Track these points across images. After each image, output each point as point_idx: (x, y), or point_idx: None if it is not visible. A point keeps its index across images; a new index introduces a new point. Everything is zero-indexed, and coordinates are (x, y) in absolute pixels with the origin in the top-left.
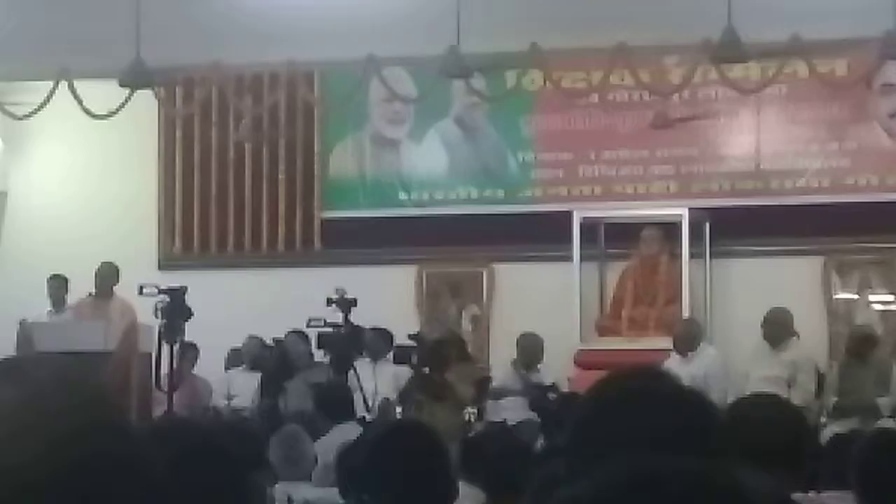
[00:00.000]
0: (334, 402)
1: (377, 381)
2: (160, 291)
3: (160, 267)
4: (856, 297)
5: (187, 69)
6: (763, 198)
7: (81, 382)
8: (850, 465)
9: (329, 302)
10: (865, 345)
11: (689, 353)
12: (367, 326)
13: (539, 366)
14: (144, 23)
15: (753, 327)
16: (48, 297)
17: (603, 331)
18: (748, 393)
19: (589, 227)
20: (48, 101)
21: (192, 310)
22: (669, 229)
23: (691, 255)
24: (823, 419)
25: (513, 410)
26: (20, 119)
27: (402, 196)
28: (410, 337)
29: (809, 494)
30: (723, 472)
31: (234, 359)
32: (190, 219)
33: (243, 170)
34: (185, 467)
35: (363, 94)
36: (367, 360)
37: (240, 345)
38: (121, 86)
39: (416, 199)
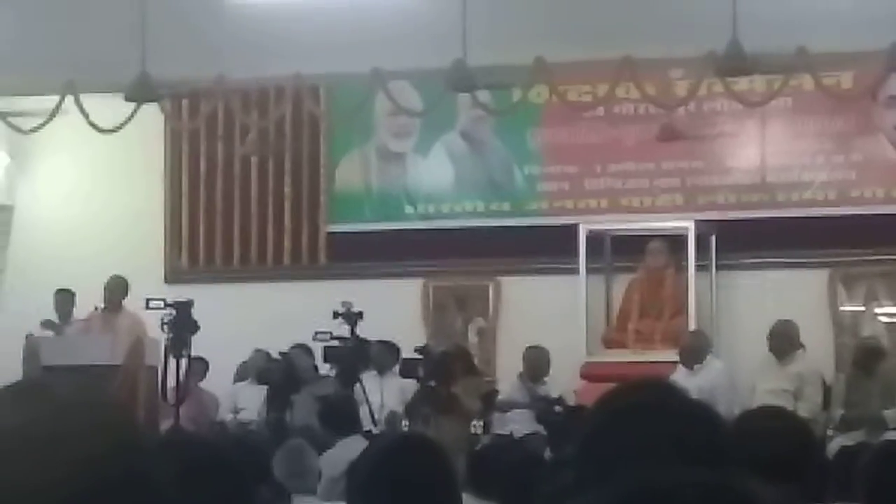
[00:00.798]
0: (339, 416)
1: (384, 395)
2: (167, 305)
3: (166, 281)
4: (862, 309)
5: (193, 83)
6: (769, 210)
7: (102, 401)
8: (857, 477)
9: (335, 315)
10: (872, 357)
11: (696, 366)
12: (374, 340)
13: (545, 379)
14: (150, 37)
15: (760, 340)
16: (55, 311)
17: (609, 343)
18: (755, 405)
19: (595, 239)
20: (54, 115)
21: (199, 323)
22: (675, 242)
23: (697, 268)
24: (830, 432)
25: (519, 423)
26: (27, 133)
27: (409, 209)
28: (417, 350)
29: None
30: (733, 484)
31: (242, 372)
32: (196, 232)
33: (249, 183)
34: (192, 481)
35: (369, 107)
36: (374, 373)
37: (247, 358)
38: (127, 100)
39: (423, 213)
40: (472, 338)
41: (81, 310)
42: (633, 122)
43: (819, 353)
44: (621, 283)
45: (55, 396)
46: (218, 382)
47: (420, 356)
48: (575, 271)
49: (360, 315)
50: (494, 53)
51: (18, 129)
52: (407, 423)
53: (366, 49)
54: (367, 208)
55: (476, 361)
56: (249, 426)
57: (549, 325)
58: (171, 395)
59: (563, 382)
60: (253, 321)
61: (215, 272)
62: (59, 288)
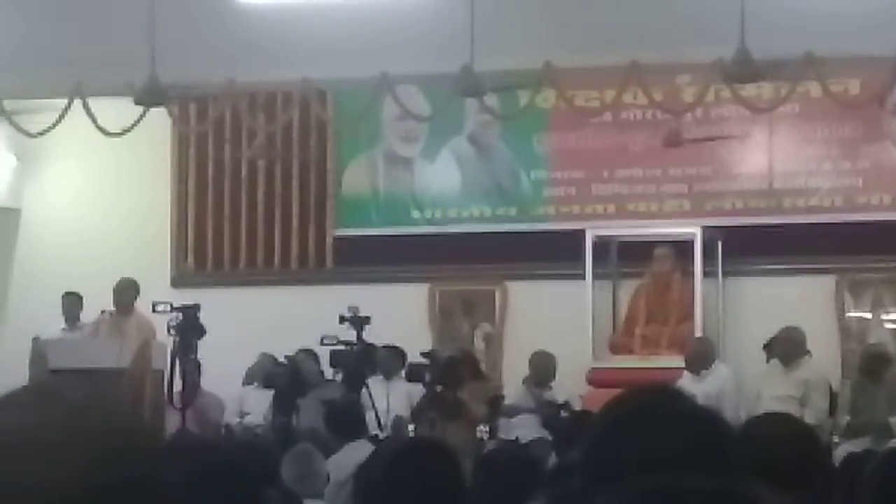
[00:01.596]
0: (345, 421)
1: (390, 399)
2: (173, 309)
3: (173, 284)
4: (869, 315)
5: (201, 87)
6: (776, 216)
7: (114, 405)
8: (863, 484)
9: (342, 320)
10: (878, 363)
11: (703, 372)
12: (380, 344)
13: (551, 384)
14: (159, 41)
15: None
16: (63, 314)
17: (615, 349)
18: (761, 412)
19: (602, 245)
20: (62, 118)
21: (206, 327)
22: (682, 247)
23: (704, 274)
24: (836, 438)
25: (525, 428)
26: (34, 136)
27: (415, 214)
28: (423, 355)
29: None
30: (740, 489)
31: (249, 376)
32: (203, 236)
33: (256, 187)
34: (200, 485)
35: (376, 112)
36: (380, 378)
37: (253, 363)
38: (135, 103)
39: (429, 217)
40: (479, 343)
41: (89, 312)
42: (641, 128)
43: (825, 359)
44: (628, 288)
45: (67, 400)
46: (224, 386)
47: (426, 361)
48: (581, 277)
49: (366, 319)
50: (502, 58)
51: (26, 132)
52: (413, 428)
53: (373, 54)
54: (374, 213)
55: (482, 366)
56: (255, 430)
57: (556, 331)
58: (176, 398)
59: (570, 388)
60: (259, 325)
61: (222, 276)
62: (66, 291)
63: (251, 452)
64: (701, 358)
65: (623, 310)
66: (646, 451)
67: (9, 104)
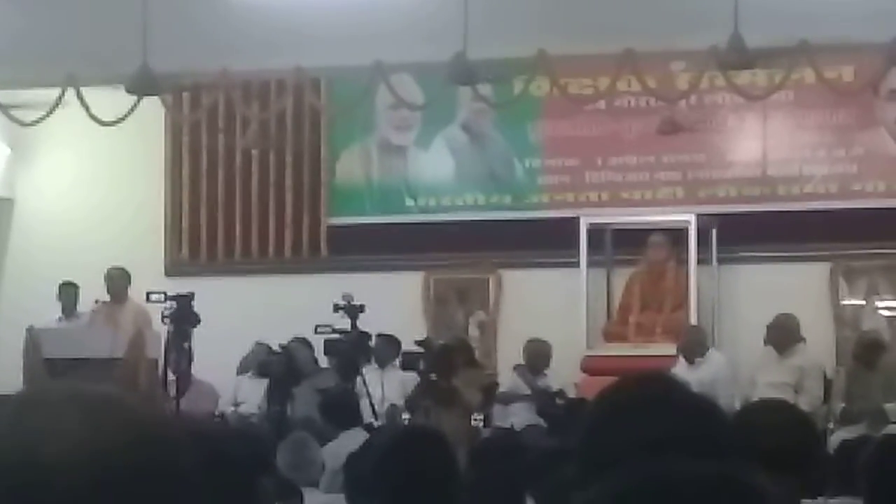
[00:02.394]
0: (340, 409)
1: (384, 388)
2: (167, 298)
3: (167, 273)
4: (863, 302)
5: (194, 76)
6: (770, 204)
7: (134, 396)
8: (859, 471)
9: (336, 308)
10: (873, 350)
11: (697, 360)
12: (374, 333)
13: (546, 371)
14: (151, 29)
15: (760, 333)
16: (60, 304)
17: (610, 337)
18: (755, 399)
19: (596, 233)
20: (55, 107)
21: (200, 316)
22: (676, 235)
23: (698, 261)
24: (831, 425)
25: (520, 416)
26: (27, 126)
27: (409, 202)
28: (417, 343)
29: (818, 500)
30: (737, 475)
31: (243, 365)
32: (197, 225)
33: (250, 176)
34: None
35: (370, 100)
36: (375, 366)
37: (248, 351)
38: (128, 92)
39: (423, 206)
40: (473, 331)
41: (84, 303)
42: (635, 116)
43: (820, 346)
44: (622, 276)
45: (89, 395)
46: (219, 375)
47: (421, 349)
48: (576, 264)
49: (360, 308)
50: (495, 46)
51: (19, 122)
52: (408, 416)
53: (367, 42)
54: (368, 201)
55: (477, 354)
56: (250, 419)
57: (550, 318)
58: (170, 387)
59: (564, 375)
60: (254, 314)
61: (216, 265)
62: (63, 281)
63: (246, 441)
64: (695, 345)
65: (617, 297)
66: (641, 439)
67: (2, 94)
